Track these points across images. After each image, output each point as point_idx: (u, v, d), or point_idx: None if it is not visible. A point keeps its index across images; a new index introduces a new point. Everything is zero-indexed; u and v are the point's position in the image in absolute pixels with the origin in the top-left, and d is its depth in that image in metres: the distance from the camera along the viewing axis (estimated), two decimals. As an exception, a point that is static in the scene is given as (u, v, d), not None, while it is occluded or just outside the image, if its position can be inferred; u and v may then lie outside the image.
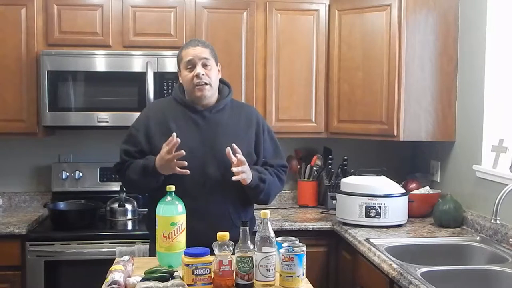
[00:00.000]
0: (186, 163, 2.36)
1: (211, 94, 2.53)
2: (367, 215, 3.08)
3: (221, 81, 2.62)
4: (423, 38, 3.30)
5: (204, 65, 2.49)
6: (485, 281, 2.36)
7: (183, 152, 2.34)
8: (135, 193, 3.40)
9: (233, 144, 2.39)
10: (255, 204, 2.69)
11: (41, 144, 3.70)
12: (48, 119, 3.31)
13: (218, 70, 2.58)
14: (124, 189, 3.36)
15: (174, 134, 2.35)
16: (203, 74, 2.47)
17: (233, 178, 2.37)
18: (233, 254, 2.00)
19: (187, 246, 2.13)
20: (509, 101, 2.98)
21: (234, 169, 2.36)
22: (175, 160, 2.35)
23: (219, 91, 2.60)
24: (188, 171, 2.37)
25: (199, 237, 2.15)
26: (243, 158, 2.40)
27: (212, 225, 2.25)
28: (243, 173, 2.39)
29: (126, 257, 2.20)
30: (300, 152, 3.90)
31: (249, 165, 2.52)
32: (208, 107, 2.54)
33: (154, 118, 2.55)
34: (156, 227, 2.19)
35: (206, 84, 2.48)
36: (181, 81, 2.57)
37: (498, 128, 3.00)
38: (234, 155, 2.37)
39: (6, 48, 3.32)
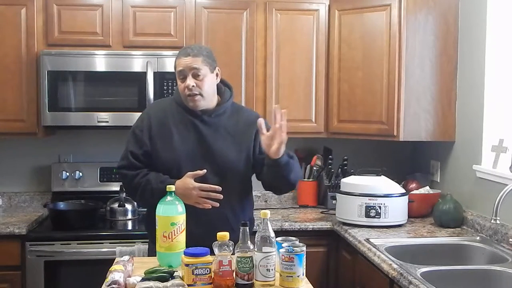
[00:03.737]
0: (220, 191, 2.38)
1: (204, 104, 2.48)
2: (367, 215, 3.08)
3: (223, 82, 2.60)
4: (423, 38, 3.30)
5: (195, 76, 2.44)
6: (485, 281, 2.36)
7: (214, 188, 2.37)
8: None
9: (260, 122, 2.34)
10: (254, 205, 2.69)
11: (41, 144, 3.70)
12: (48, 119, 3.31)
13: (217, 74, 2.53)
14: (124, 189, 3.34)
15: (205, 170, 2.38)
16: (193, 86, 2.43)
17: (272, 148, 2.29)
18: (233, 254, 2.00)
19: (185, 249, 2.13)
20: (509, 101, 2.98)
21: (265, 143, 2.30)
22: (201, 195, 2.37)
23: (221, 94, 2.57)
24: (210, 207, 2.39)
25: (197, 241, 2.12)
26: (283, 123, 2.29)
27: (210, 229, 2.20)
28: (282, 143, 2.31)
29: (126, 257, 2.20)
30: (300, 152, 3.89)
31: (244, 170, 2.52)
32: (208, 112, 2.52)
33: (156, 118, 2.53)
34: (156, 227, 2.19)
35: (196, 94, 2.45)
36: None
37: (498, 128, 3.00)
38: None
39: (6, 48, 3.32)
